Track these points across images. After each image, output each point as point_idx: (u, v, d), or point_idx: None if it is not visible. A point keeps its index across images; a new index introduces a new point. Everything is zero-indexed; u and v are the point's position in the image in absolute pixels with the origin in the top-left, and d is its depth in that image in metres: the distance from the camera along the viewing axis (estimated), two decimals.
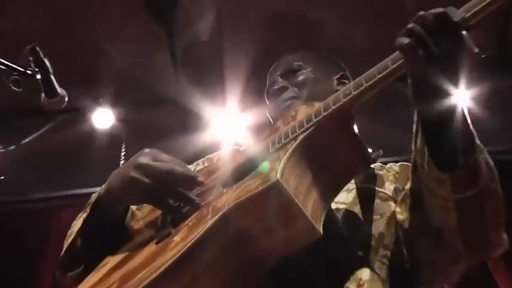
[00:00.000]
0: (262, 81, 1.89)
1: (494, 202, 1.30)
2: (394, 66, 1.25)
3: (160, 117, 4.67)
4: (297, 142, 1.27)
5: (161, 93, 4.56)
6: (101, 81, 4.60)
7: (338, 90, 1.64)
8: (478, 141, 1.28)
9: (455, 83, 1.22)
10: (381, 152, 1.43)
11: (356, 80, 1.32)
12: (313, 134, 1.29)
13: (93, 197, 1.49)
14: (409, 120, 1.33)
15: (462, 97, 1.26)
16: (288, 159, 1.21)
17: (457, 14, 1.19)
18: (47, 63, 1.36)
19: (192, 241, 1.15)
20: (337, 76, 1.78)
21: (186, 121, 4.69)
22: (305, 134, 1.29)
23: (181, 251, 1.15)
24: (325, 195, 1.26)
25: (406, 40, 1.19)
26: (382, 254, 1.45)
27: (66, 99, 1.43)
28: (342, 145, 1.31)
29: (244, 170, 1.36)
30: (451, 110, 1.24)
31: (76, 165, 4.55)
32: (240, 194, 1.20)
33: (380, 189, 1.58)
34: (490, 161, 1.31)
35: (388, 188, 1.58)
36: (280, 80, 1.76)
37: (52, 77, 1.38)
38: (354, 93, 1.29)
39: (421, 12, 1.21)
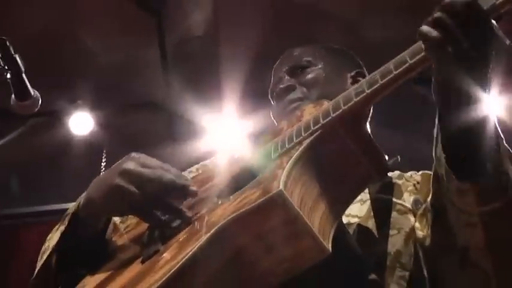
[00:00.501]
0: (263, 83, 1.90)
1: None
2: (413, 60, 1.22)
3: (146, 122, 4.68)
4: (302, 147, 1.26)
5: (148, 95, 4.58)
6: (80, 80, 4.61)
7: None
8: (505, 146, 1.26)
9: (486, 85, 1.21)
10: (399, 158, 1.41)
11: (369, 76, 1.30)
12: (321, 138, 1.29)
13: (72, 207, 1.49)
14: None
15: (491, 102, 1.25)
16: (292, 167, 1.20)
17: (485, 1, 1.16)
18: (19, 60, 1.37)
19: (183, 260, 1.14)
20: (352, 74, 1.77)
21: (176, 127, 4.70)
22: (311, 138, 1.28)
23: (170, 272, 1.14)
24: (335, 207, 1.25)
25: (433, 33, 1.17)
26: (400, 275, 1.44)
27: (40, 101, 1.43)
28: (354, 150, 1.30)
29: (243, 178, 1.35)
30: (479, 115, 1.22)
31: (49, 177, 4.55)
32: (237, 206, 1.19)
33: (398, 201, 1.56)
34: None
35: (407, 199, 1.57)
36: (286, 77, 1.75)
37: (24, 76, 1.39)
38: (367, 91, 1.27)
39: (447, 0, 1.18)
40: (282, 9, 4.21)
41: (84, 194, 1.46)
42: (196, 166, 1.79)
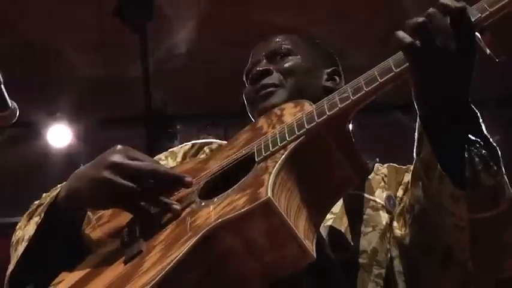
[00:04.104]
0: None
1: None
2: (398, 70, 1.23)
3: (124, 137, 4.65)
4: (287, 152, 1.25)
5: (128, 110, 4.56)
6: (58, 92, 4.58)
7: (327, 86, 1.65)
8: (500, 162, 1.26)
9: (464, 90, 1.23)
10: (377, 160, 1.42)
11: (354, 81, 1.30)
12: (305, 144, 1.28)
13: (48, 199, 1.46)
14: None
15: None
16: (278, 172, 1.20)
17: (472, 13, 1.18)
18: None
19: (169, 267, 1.13)
20: (329, 70, 1.74)
21: (158, 143, 4.68)
22: (296, 142, 1.27)
23: (156, 279, 1.12)
24: (318, 213, 1.26)
25: (407, 39, 1.18)
26: (376, 273, 1.44)
27: (18, 113, 1.41)
28: (336, 155, 1.30)
29: (227, 178, 1.34)
30: (465, 121, 1.24)
31: (25, 190, 4.49)
32: (223, 211, 1.18)
33: (371, 197, 1.56)
34: None
35: (380, 196, 1.56)
36: (264, 61, 1.71)
37: (2, 87, 1.36)
38: (352, 98, 1.27)
39: (441, 2, 1.19)
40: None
41: (61, 186, 1.44)
42: (164, 154, 1.75)
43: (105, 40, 4.36)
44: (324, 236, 1.45)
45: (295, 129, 1.30)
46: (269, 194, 1.13)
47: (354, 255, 1.45)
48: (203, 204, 1.29)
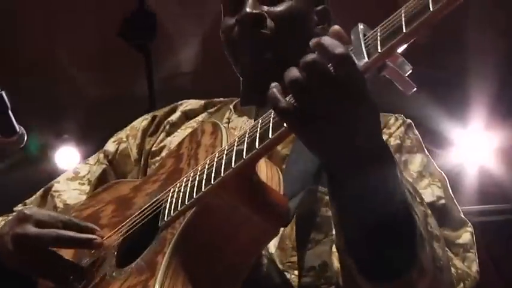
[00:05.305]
0: None
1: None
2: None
3: None
4: (181, 227, 1.16)
5: None
6: (66, 114, 4.60)
7: (317, 33, 1.50)
8: (421, 231, 1.10)
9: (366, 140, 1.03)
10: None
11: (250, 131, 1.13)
12: (203, 211, 1.17)
13: None
14: None
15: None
16: (169, 261, 1.13)
17: (359, 52, 0.96)
18: (5, 97, 1.36)
19: None
20: (318, 9, 1.60)
21: None
22: (192, 212, 1.17)
23: None
24: (227, 282, 1.16)
25: (281, 103, 0.99)
26: None
27: (26, 137, 1.42)
28: (243, 212, 1.16)
29: (136, 237, 1.29)
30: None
31: None
32: None
33: (325, 190, 1.30)
34: (439, 251, 1.15)
35: None
36: (251, 0, 1.51)
37: (10, 112, 1.38)
38: (244, 158, 1.11)
39: (322, 43, 0.97)
40: None
41: None
42: (126, 130, 1.76)
43: (110, 60, 4.37)
44: (271, 254, 1.32)
45: (194, 191, 1.19)
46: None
47: (301, 274, 1.31)
48: (114, 274, 1.27)
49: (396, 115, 1.54)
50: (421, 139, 1.52)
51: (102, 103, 4.49)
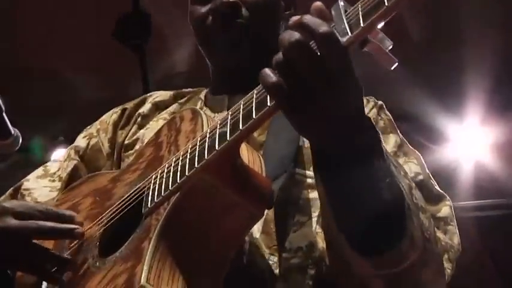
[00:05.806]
0: None
1: (433, 266, 1.19)
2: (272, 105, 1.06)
3: None
4: (166, 212, 1.15)
5: None
6: (61, 115, 4.59)
7: (286, 19, 1.52)
8: (408, 203, 1.11)
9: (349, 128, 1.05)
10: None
11: (233, 111, 1.13)
12: (186, 195, 1.17)
13: None
14: None
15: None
16: (156, 247, 1.11)
17: (341, 29, 0.98)
18: None
19: None
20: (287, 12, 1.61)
21: None
22: (177, 196, 1.17)
23: None
24: (216, 270, 1.17)
25: (271, 78, 1.01)
26: (312, 273, 1.30)
27: (20, 140, 1.41)
28: (227, 194, 1.17)
29: (119, 227, 1.29)
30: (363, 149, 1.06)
31: None
32: None
33: (307, 173, 1.35)
34: (425, 222, 1.16)
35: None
36: None
37: (4, 115, 1.37)
38: (228, 139, 1.11)
39: (303, 20, 0.98)
40: None
41: None
42: (95, 125, 1.76)
43: (105, 61, 4.36)
44: (255, 239, 1.31)
45: (178, 176, 1.19)
46: (142, 281, 1.08)
47: (288, 256, 1.31)
48: (97, 264, 1.26)
49: (367, 97, 1.55)
50: (393, 119, 1.54)
51: (97, 104, 4.48)
